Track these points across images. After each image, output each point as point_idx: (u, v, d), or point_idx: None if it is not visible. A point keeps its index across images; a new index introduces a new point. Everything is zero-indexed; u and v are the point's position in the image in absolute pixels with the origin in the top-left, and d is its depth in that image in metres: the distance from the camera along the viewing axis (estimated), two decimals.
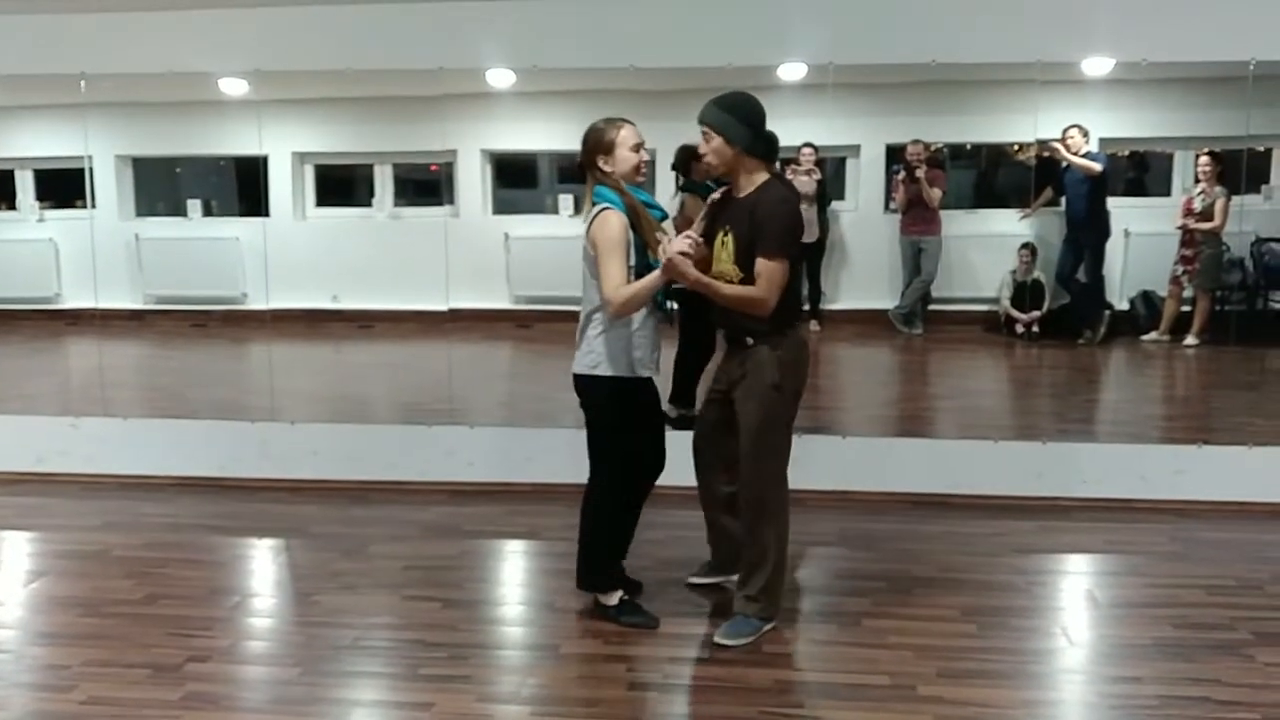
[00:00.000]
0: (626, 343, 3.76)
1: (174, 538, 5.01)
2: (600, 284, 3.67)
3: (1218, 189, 8.58)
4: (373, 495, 5.58)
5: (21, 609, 4.24)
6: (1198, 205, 8.67)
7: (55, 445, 5.92)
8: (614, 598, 3.99)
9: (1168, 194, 9.65)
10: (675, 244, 3.59)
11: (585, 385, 3.82)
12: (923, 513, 5.26)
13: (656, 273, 3.62)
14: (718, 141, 3.71)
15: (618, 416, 3.83)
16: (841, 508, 5.32)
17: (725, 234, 3.72)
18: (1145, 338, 8.81)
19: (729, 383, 3.87)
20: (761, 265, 3.61)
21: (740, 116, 3.70)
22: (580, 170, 3.82)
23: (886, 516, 5.21)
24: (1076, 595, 4.39)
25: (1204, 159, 8.76)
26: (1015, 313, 9.18)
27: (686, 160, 6.41)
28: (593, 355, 3.77)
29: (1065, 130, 8.71)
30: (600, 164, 3.76)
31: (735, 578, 3.97)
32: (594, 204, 3.75)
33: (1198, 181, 8.77)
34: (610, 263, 3.63)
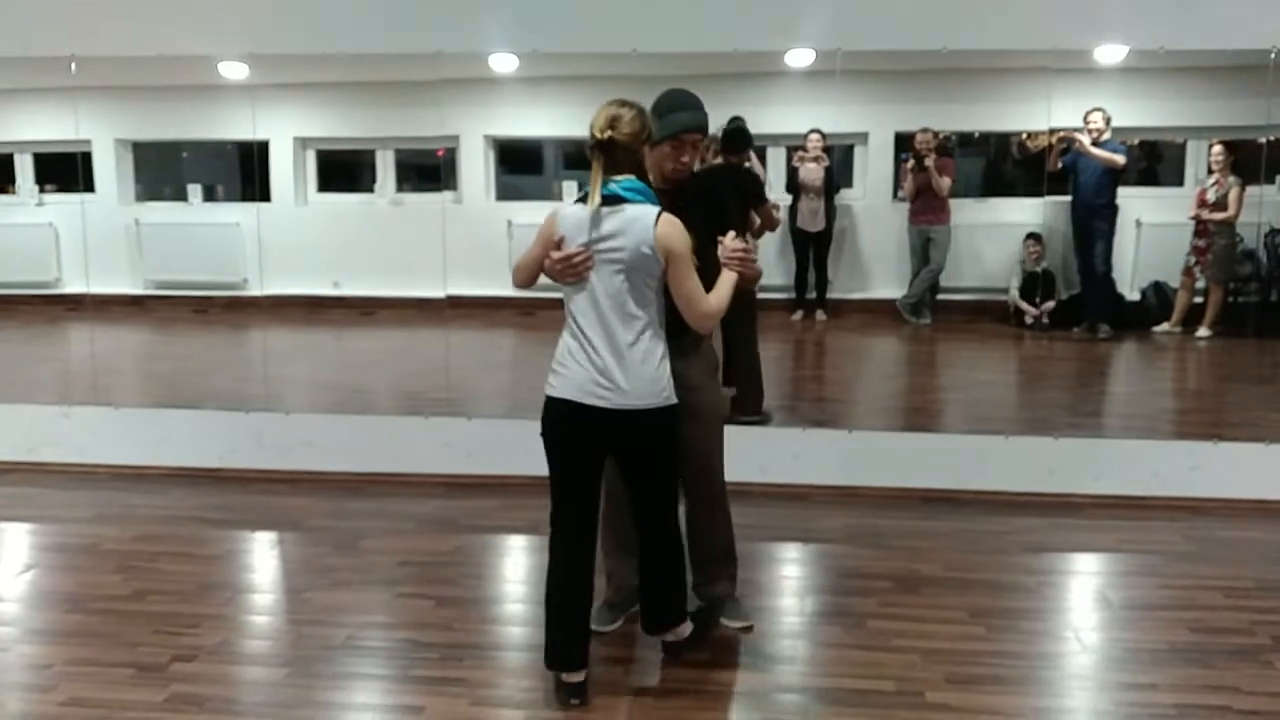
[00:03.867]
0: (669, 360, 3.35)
1: (166, 530, 4.92)
2: (690, 297, 3.23)
3: (1231, 178, 8.45)
4: (368, 487, 5.47)
5: (6, 604, 4.14)
6: (1211, 195, 8.54)
7: (47, 434, 5.83)
8: (689, 627, 3.62)
9: (1180, 184, 9.52)
10: (733, 242, 3.37)
11: (659, 420, 3.28)
12: (930, 509, 5.15)
13: (731, 274, 3.33)
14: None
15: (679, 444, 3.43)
16: (847, 503, 5.21)
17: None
18: (1157, 329, 8.69)
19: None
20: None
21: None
22: (605, 153, 3.23)
23: (893, 513, 5.10)
24: (1088, 596, 4.27)
25: (1217, 148, 8.63)
26: (1023, 304, 9.06)
27: None
28: (662, 383, 3.26)
29: (1087, 115, 8.56)
30: (644, 154, 3.33)
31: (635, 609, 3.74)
32: (623, 198, 3.21)
33: (1211, 172, 8.63)
34: (694, 275, 3.23)
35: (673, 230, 3.20)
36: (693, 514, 3.77)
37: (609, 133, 3.20)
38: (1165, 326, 8.67)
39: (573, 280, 3.26)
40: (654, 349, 3.26)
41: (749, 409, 5.97)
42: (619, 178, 3.23)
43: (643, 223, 3.18)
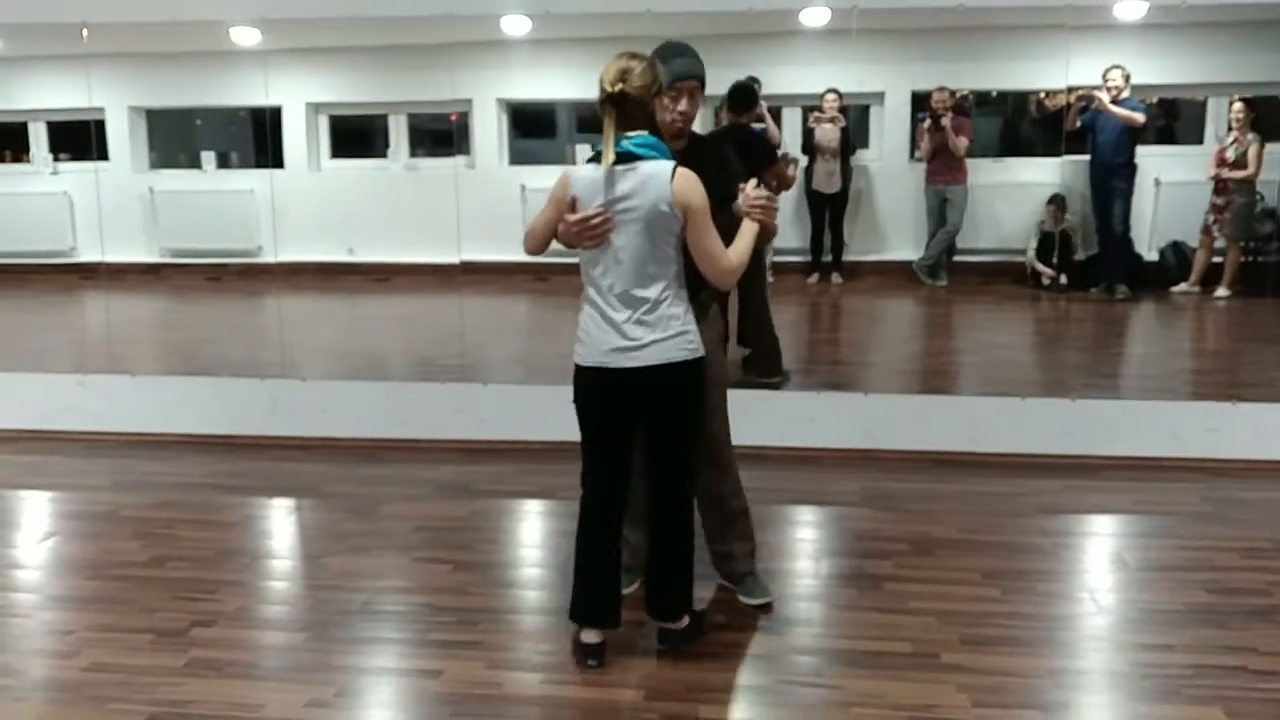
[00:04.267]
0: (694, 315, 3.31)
1: (182, 497, 4.94)
2: (711, 253, 3.16)
3: (1250, 135, 8.35)
4: (384, 453, 5.49)
5: (28, 571, 4.18)
6: (1231, 154, 8.44)
7: (63, 402, 5.86)
8: (687, 619, 3.50)
9: (1199, 142, 9.42)
10: (755, 191, 3.30)
11: (684, 373, 3.23)
12: (946, 472, 5.13)
13: (753, 225, 3.27)
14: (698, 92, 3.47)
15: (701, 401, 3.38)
16: (863, 466, 5.20)
17: None
18: (1175, 289, 8.62)
19: None
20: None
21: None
22: (616, 108, 3.13)
23: (909, 476, 5.09)
24: (1105, 558, 4.26)
25: (1237, 105, 8.52)
26: (1040, 265, 9.00)
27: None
28: (688, 336, 3.22)
29: (1106, 72, 8.46)
30: (656, 107, 3.24)
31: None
32: (637, 155, 3.14)
33: (1230, 129, 8.52)
34: (713, 229, 3.16)
35: (690, 185, 3.12)
36: (703, 484, 3.69)
37: (620, 85, 3.12)
38: (1184, 286, 8.60)
39: (591, 244, 3.19)
40: (676, 304, 3.21)
41: (767, 370, 5.94)
42: (632, 134, 3.15)
43: (659, 179, 3.11)
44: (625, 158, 3.14)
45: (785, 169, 6.40)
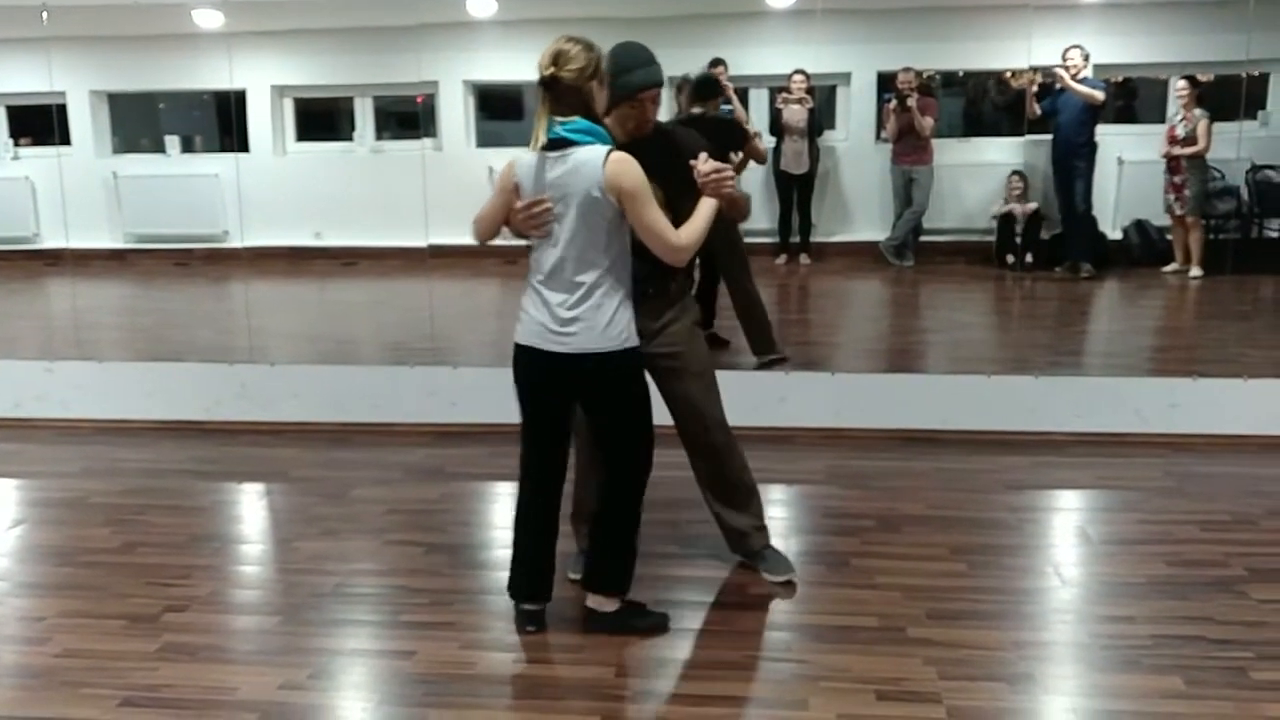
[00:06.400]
0: (631, 304, 3.29)
1: (153, 483, 4.93)
2: (653, 229, 3.13)
3: (1197, 112, 8.43)
4: (355, 437, 5.49)
5: None
6: (1180, 131, 8.53)
7: (31, 390, 5.82)
8: (615, 602, 3.49)
9: (1162, 121, 9.51)
10: (707, 164, 3.25)
11: (616, 364, 3.23)
12: (913, 449, 5.19)
13: (709, 201, 3.23)
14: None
15: (645, 391, 3.37)
16: (830, 445, 5.25)
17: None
18: (1166, 269, 8.67)
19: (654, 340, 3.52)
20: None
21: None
22: (549, 91, 3.12)
23: (876, 454, 5.15)
24: (1068, 532, 4.33)
25: (1181, 83, 8.60)
26: (1005, 257, 9.08)
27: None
28: (618, 326, 3.20)
29: (1065, 51, 8.54)
30: (595, 94, 3.19)
31: None
32: (571, 140, 3.11)
33: (1182, 108, 8.59)
34: (654, 208, 3.12)
35: (621, 168, 3.08)
36: (699, 468, 3.75)
37: (551, 69, 3.10)
38: (1173, 266, 8.64)
39: (537, 233, 3.20)
40: (611, 293, 3.19)
41: (763, 349, 5.99)
42: (565, 119, 3.12)
43: (591, 165, 3.09)
44: (558, 144, 3.12)
45: (759, 146, 6.52)
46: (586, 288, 3.17)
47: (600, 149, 3.11)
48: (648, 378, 3.43)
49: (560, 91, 3.11)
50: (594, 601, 3.47)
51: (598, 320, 3.18)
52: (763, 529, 3.85)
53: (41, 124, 10.44)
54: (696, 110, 6.02)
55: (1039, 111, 8.74)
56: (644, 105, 3.39)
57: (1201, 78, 8.68)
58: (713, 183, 3.25)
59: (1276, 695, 3.03)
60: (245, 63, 9.42)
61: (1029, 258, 9.02)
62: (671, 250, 3.19)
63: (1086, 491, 4.73)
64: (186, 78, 10.28)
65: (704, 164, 3.28)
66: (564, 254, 3.17)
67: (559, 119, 3.13)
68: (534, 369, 3.29)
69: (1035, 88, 8.72)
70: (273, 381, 5.70)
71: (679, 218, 3.24)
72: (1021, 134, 9.31)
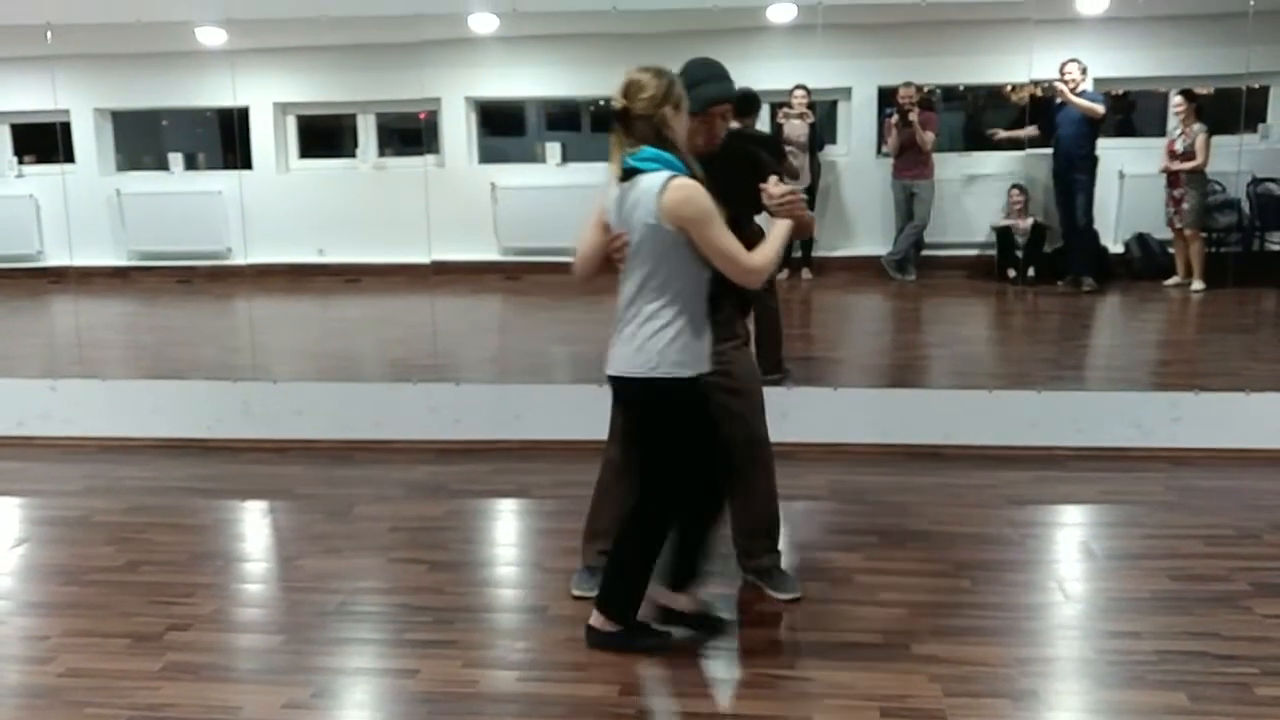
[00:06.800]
0: (684, 337, 3.21)
1: (156, 501, 4.93)
2: (725, 253, 3.10)
3: (1196, 126, 8.45)
4: (358, 455, 5.49)
5: (1, 578, 4.16)
6: (1179, 146, 8.54)
7: (35, 408, 5.82)
8: (612, 625, 3.44)
9: (1162, 134, 9.54)
10: (778, 187, 3.27)
11: (637, 389, 3.23)
12: (916, 464, 5.19)
13: (784, 223, 3.24)
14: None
15: (677, 432, 3.29)
16: (833, 460, 5.25)
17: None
18: (1168, 283, 8.69)
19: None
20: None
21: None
22: (621, 123, 3.14)
23: (879, 469, 5.15)
24: (1072, 548, 4.33)
25: (1177, 98, 8.62)
26: (1007, 271, 9.10)
27: None
28: (650, 354, 3.16)
29: (1063, 65, 8.56)
30: (670, 120, 3.14)
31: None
32: (639, 169, 3.11)
33: (1180, 123, 8.60)
34: (723, 232, 3.08)
35: (681, 194, 3.07)
36: (743, 483, 3.69)
37: (624, 102, 3.12)
38: (1176, 279, 8.65)
39: (622, 266, 3.24)
40: (657, 320, 3.16)
41: (770, 369, 5.98)
42: (633, 149, 3.14)
43: (648, 194, 3.10)
44: (629, 173, 3.15)
45: (792, 163, 6.56)
46: (640, 313, 3.19)
47: (659, 176, 3.10)
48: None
49: (631, 122, 3.13)
50: (596, 620, 3.46)
51: (633, 344, 3.20)
52: (776, 551, 3.85)
53: (45, 142, 10.48)
54: (735, 125, 6.04)
55: (1035, 132, 8.80)
56: (713, 120, 3.42)
57: (1199, 91, 8.70)
58: (786, 206, 3.27)
59: None
60: (248, 80, 9.45)
61: (1030, 271, 9.03)
62: (745, 273, 3.18)
63: (1089, 506, 4.73)
64: (190, 95, 10.33)
65: (774, 187, 3.29)
66: (631, 281, 3.22)
67: (629, 149, 3.15)
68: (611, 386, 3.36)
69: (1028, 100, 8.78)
70: (275, 399, 5.71)
71: (742, 234, 3.23)
72: (1022, 148, 9.33)
